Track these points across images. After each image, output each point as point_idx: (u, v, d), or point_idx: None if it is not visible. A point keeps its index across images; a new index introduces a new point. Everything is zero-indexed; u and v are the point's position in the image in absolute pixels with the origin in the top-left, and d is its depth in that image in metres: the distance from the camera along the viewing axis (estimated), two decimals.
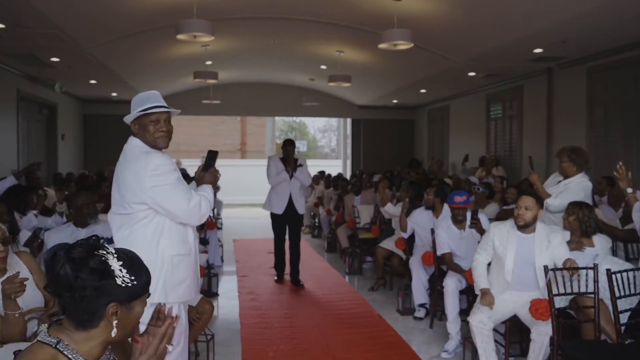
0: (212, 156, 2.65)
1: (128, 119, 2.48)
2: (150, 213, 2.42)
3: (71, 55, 7.04)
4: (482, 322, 3.38)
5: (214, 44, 7.87)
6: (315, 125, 29.65)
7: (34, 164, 5.60)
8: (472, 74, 8.45)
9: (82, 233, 3.51)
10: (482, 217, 4.53)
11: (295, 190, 6.00)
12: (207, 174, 2.63)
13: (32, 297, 2.45)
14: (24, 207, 4.20)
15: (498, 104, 9.58)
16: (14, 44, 6.38)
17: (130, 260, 1.38)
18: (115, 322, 1.34)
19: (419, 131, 13.51)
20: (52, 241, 3.46)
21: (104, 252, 1.34)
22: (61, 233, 3.52)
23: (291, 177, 5.97)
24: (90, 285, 1.29)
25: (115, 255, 1.35)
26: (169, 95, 12.14)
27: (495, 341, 3.51)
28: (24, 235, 3.45)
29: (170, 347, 1.42)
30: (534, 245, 3.43)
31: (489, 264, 3.70)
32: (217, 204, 11.36)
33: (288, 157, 5.99)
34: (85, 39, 6.33)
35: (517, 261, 3.46)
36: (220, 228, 10.92)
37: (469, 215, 4.45)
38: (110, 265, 1.33)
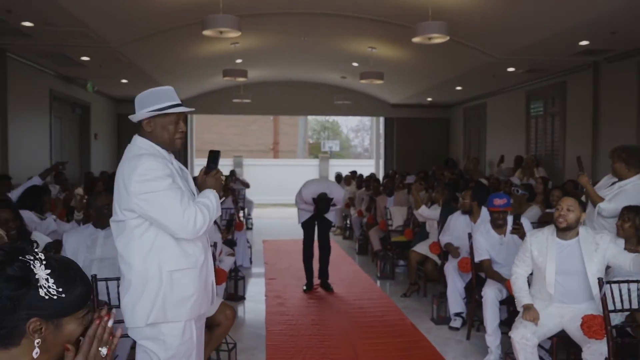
0: (213, 157, 2.35)
1: (139, 117, 2.26)
2: (144, 222, 2.18)
3: (101, 54, 7.02)
4: (526, 338, 3.08)
5: (243, 42, 7.73)
6: (348, 124, 29.46)
7: (58, 163, 5.55)
8: (511, 69, 8.05)
9: (102, 234, 3.39)
10: (525, 222, 4.20)
11: None
12: (209, 178, 2.32)
13: None
14: (41, 208, 4.10)
15: (539, 101, 9.12)
16: (45, 42, 6.39)
17: (62, 270, 1.15)
18: (37, 341, 1.12)
19: (454, 130, 13.10)
20: (71, 242, 3.35)
21: (30, 258, 1.13)
22: (80, 234, 3.40)
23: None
24: (6, 294, 1.09)
25: (44, 263, 1.14)
26: (200, 94, 12.13)
27: (541, 358, 3.21)
28: (39, 239, 3.32)
29: (104, 350, 1.19)
30: (579, 251, 3.12)
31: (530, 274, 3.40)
32: (248, 204, 11.28)
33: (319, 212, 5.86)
34: (113, 37, 6.28)
35: (559, 271, 3.15)
36: (251, 228, 10.83)
37: (510, 219, 4.13)
38: (35, 274, 1.11)
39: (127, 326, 2.21)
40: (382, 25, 6.81)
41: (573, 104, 8.08)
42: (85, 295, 1.19)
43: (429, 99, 12.21)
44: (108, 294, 2.92)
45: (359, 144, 30.44)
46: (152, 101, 2.26)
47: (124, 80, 9.32)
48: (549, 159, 8.64)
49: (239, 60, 8.76)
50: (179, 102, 2.28)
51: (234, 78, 8.22)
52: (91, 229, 3.42)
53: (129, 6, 5.47)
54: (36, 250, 1.15)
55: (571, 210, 3.11)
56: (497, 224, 4.10)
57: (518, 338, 3.08)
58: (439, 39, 5.50)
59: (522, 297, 3.25)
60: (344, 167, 14.87)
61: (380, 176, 12.12)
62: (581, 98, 7.82)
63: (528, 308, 3.17)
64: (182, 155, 13.12)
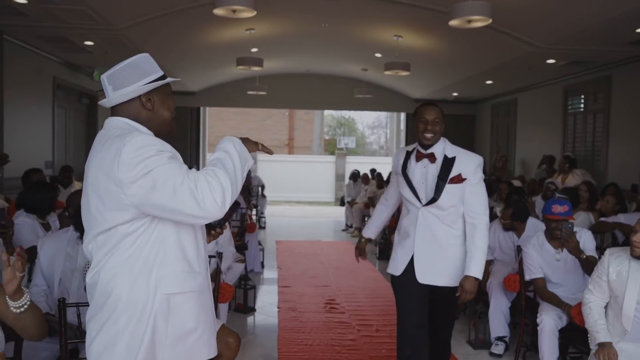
0: None
1: (133, 93, 1.72)
2: (139, 227, 1.63)
3: (105, 38, 6.48)
4: None
5: (259, 28, 7.15)
6: (364, 121, 28.95)
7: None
8: (551, 61, 7.34)
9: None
10: (586, 235, 3.51)
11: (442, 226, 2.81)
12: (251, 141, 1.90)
13: None
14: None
15: (578, 96, 8.40)
16: (43, 24, 5.86)
17: None
18: None
19: (480, 127, 12.39)
20: (47, 249, 2.78)
21: None
22: (57, 240, 2.82)
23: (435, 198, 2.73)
24: None
25: None
26: (213, 86, 11.60)
27: None
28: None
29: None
30: None
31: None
32: (261, 202, 10.73)
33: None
34: (116, 18, 5.72)
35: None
36: (263, 227, 10.28)
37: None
38: None
39: None
40: (412, 10, 6.16)
41: (619, 99, 7.35)
42: None
43: (455, 94, 11.52)
44: (79, 318, 2.33)
45: (374, 141, 29.89)
46: (147, 69, 1.74)
47: None
48: (589, 159, 7.92)
49: (254, 49, 8.18)
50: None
51: (249, 67, 7.63)
52: (71, 233, 2.85)
53: None
54: None
55: None
56: (556, 236, 3.45)
57: None
58: (479, 22, 4.85)
59: (598, 332, 2.62)
60: (361, 164, 14.31)
61: None
62: (629, 93, 7.09)
63: (603, 346, 2.55)
64: (193, 149, 12.61)
